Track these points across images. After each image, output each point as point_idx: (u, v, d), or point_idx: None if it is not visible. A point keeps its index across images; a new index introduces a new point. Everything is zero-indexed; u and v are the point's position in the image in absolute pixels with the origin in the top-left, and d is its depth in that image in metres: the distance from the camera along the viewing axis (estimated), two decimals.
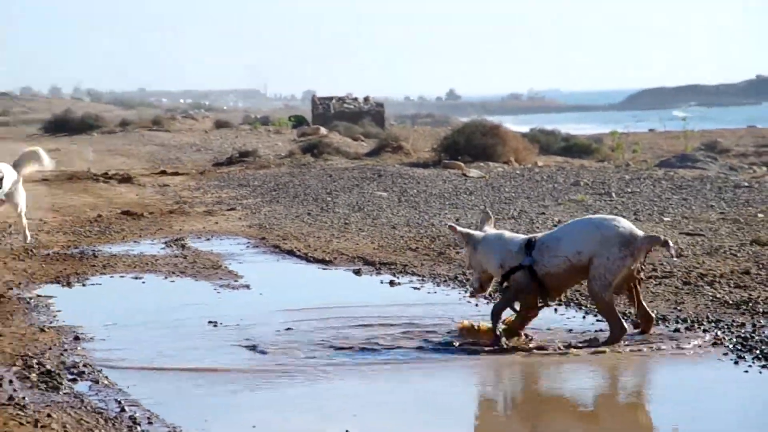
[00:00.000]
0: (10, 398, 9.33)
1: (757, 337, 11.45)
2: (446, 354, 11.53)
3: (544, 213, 22.55)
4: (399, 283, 15.43)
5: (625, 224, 11.68)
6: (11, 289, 14.75)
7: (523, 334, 11.85)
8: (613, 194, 25.65)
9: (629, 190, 26.31)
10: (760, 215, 21.34)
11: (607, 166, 33.67)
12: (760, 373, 10.30)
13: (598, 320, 12.44)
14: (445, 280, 15.42)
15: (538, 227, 19.98)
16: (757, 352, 10.91)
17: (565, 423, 9.55)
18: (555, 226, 19.36)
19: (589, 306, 13.19)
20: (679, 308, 12.97)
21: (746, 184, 27.24)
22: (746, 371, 10.40)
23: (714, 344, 11.36)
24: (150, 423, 8.92)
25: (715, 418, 9.41)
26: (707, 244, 17.74)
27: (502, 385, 11.02)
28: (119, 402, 9.42)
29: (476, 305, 13.52)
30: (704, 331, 11.84)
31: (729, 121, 70.86)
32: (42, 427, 8.60)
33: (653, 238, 11.83)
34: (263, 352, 11.50)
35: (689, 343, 11.46)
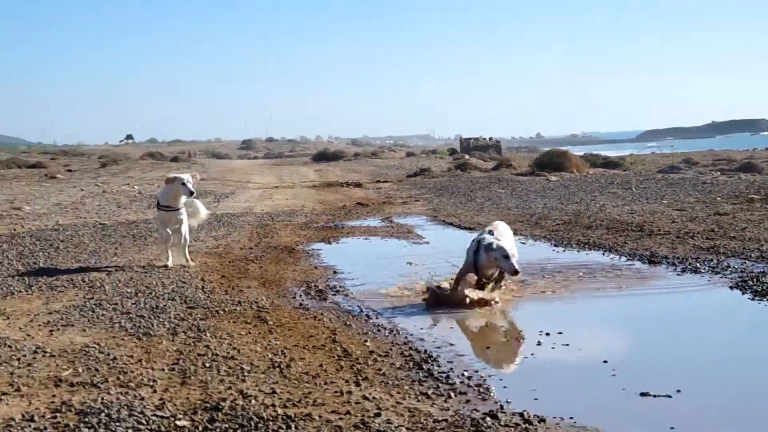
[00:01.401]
0: (300, 304, 10.15)
1: (720, 267, 11.92)
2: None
3: (594, 200, 22.50)
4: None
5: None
6: (298, 245, 15.33)
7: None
8: (633, 188, 25.60)
9: (642, 186, 26.45)
10: (718, 198, 21.75)
11: (628, 173, 33.72)
12: (723, 286, 10.78)
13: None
14: (539, 239, 15.86)
15: (591, 208, 20.64)
16: (721, 275, 11.49)
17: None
18: (601, 207, 20.17)
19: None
20: (674, 251, 13.37)
21: (709, 181, 27.47)
22: (712, 284, 10.98)
23: (693, 271, 11.84)
24: (376, 317, 9.45)
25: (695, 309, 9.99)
26: (688, 214, 17.99)
27: None
28: (359, 307, 10.05)
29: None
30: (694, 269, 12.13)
31: (697, 147, 71.00)
32: (317, 319, 9.30)
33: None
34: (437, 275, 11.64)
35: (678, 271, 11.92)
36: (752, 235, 14.75)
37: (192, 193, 12.59)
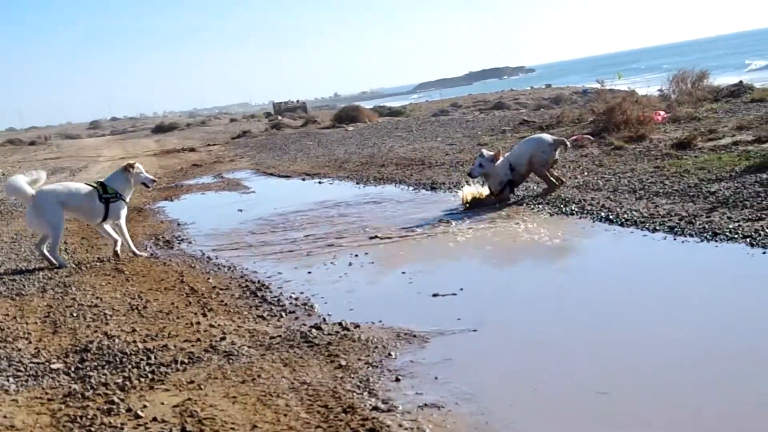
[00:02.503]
0: (151, 254, 9.91)
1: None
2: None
3: (384, 143, 22.83)
4: (321, 182, 15.71)
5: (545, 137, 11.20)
6: (146, 205, 15.00)
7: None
8: (413, 131, 26.09)
9: (421, 128, 26.99)
10: (479, 132, 22.44)
11: (409, 119, 34.42)
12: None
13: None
14: (343, 179, 15.81)
15: (382, 149, 20.83)
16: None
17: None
18: (390, 149, 20.39)
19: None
20: (450, 178, 13.75)
21: (471, 119, 28.27)
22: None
23: None
24: (215, 259, 9.29)
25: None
26: (458, 147, 18.28)
27: None
28: (201, 251, 9.82)
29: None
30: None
31: (459, 93, 72.67)
32: (167, 265, 9.06)
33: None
34: (271, 221, 11.64)
35: None
36: None
37: None
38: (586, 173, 12.21)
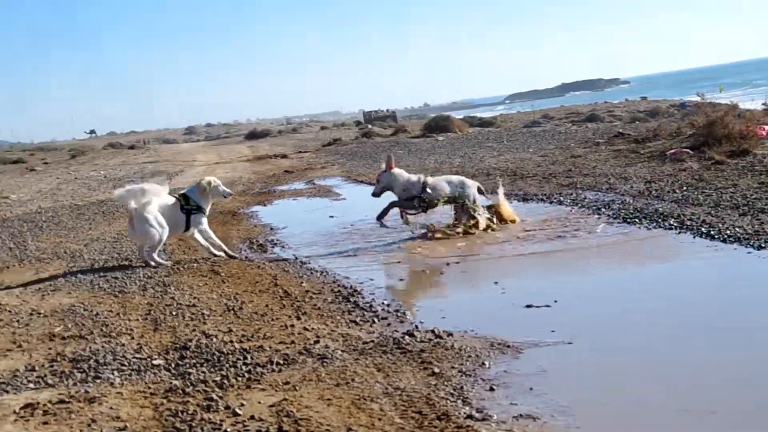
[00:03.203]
0: (246, 257, 10.07)
1: (579, 199, 12.01)
2: None
3: (474, 153, 22.57)
4: None
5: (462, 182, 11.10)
6: (240, 209, 15.15)
7: None
8: (504, 141, 25.74)
9: (512, 139, 26.51)
10: (571, 144, 22.06)
11: (500, 130, 33.92)
12: (584, 214, 10.97)
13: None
14: None
15: (473, 159, 20.69)
16: (580, 206, 11.57)
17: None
18: (481, 159, 20.30)
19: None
20: (542, 189, 13.39)
21: (563, 131, 27.65)
22: (574, 213, 10.95)
23: (559, 204, 12.15)
24: (308, 263, 9.39)
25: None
26: (550, 159, 18.05)
27: None
28: (294, 255, 9.96)
29: None
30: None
31: (551, 104, 71.58)
32: (261, 268, 9.19)
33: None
34: (362, 228, 11.57)
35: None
36: (601, 172, 14.93)
37: None
38: (685, 188, 11.94)
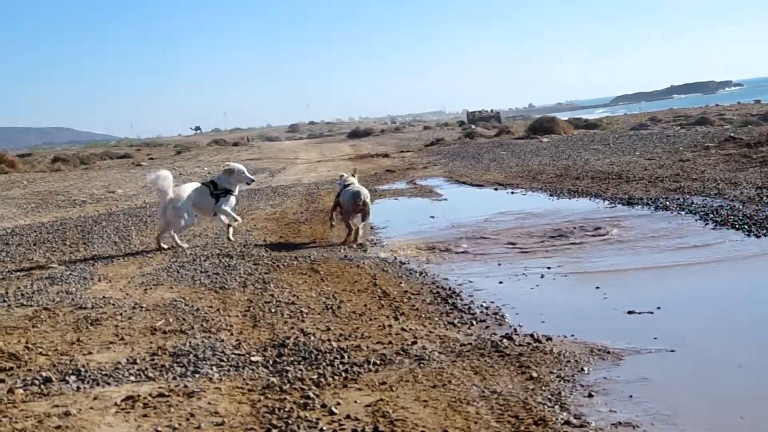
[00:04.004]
0: (345, 257, 10.01)
1: (686, 204, 11.71)
2: None
3: (579, 155, 22.35)
4: (514, 192, 15.64)
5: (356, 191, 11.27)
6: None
7: None
8: (610, 144, 25.46)
9: (618, 141, 26.16)
10: (680, 148, 21.53)
11: (606, 132, 33.69)
12: (690, 219, 10.74)
13: None
14: (536, 190, 15.67)
15: (577, 162, 20.42)
16: (687, 211, 11.31)
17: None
18: (586, 161, 20.01)
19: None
20: (648, 194, 13.17)
21: (672, 134, 27.28)
22: (681, 218, 10.82)
23: (664, 209, 11.68)
24: (408, 263, 9.41)
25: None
26: (657, 162, 17.85)
27: None
28: (393, 255, 10.02)
29: None
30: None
31: (659, 107, 69.93)
32: (360, 267, 9.21)
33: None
34: (463, 229, 11.65)
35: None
36: (710, 176, 14.59)
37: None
38: None
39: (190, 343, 6.39)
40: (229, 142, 63.74)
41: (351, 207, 11.23)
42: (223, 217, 11.76)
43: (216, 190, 11.57)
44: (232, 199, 11.77)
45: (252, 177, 12.02)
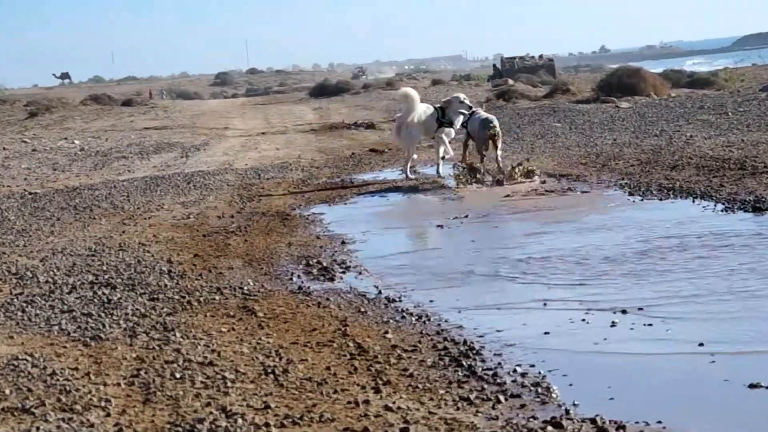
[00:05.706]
0: (299, 288, 10.05)
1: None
2: None
3: (678, 130, 22.49)
4: (572, 190, 15.54)
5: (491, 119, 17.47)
6: (294, 210, 15.30)
7: None
8: (729, 113, 25.56)
9: (741, 109, 26.41)
10: None
11: (723, 94, 33.82)
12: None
13: None
14: (608, 185, 15.72)
15: (675, 141, 20.51)
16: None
17: None
18: (688, 140, 20.10)
19: None
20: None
21: None
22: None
23: None
24: (399, 300, 9.39)
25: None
26: None
27: None
28: (376, 287, 9.95)
29: None
30: None
31: None
32: (322, 306, 9.20)
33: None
34: (488, 246, 11.86)
35: None
36: None
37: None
38: None
39: (37, 429, 6.23)
40: (117, 100, 62.86)
41: (482, 134, 16.89)
42: (441, 148, 18.55)
43: (442, 118, 18.18)
44: (452, 131, 18.62)
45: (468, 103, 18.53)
